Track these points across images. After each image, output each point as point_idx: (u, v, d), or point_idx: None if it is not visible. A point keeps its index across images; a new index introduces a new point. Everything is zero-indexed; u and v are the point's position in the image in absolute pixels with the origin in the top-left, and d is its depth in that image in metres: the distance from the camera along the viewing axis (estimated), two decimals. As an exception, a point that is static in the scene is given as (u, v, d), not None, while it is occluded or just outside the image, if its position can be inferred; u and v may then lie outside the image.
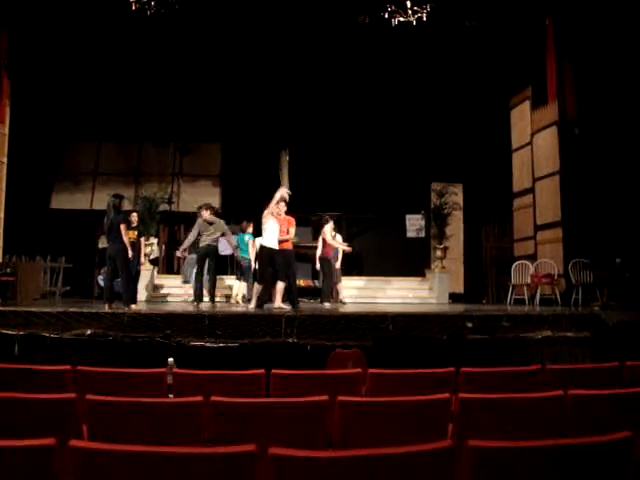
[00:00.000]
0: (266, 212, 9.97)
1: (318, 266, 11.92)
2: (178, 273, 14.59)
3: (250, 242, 12.14)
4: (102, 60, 13.47)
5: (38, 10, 11.80)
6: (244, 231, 12.36)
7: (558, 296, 11.92)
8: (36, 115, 13.66)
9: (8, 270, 11.43)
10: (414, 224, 15.48)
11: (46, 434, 2.41)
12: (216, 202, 15.73)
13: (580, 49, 12.06)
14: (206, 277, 11.49)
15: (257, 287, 10.37)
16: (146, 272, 12.71)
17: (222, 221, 11.57)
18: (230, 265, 14.19)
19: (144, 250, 12.33)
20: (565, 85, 12.24)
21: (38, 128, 14.00)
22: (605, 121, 11.86)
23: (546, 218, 12.95)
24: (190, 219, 13.09)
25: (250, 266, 12.12)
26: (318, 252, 11.77)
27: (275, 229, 9.93)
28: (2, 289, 10.76)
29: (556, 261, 12.34)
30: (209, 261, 11.28)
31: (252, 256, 12.07)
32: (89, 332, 7.24)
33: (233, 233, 12.44)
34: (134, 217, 11.29)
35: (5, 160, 12.77)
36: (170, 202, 14.98)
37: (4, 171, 12.78)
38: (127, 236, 9.44)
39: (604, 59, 11.69)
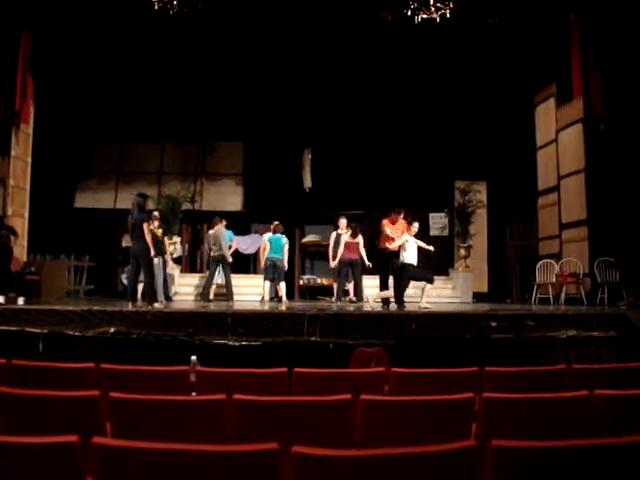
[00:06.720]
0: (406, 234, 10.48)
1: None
2: (201, 271, 14.63)
3: (286, 244, 12.25)
4: (125, 60, 13.60)
5: (61, 11, 11.91)
6: (275, 232, 12.33)
7: (583, 295, 11.78)
8: (59, 115, 13.81)
9: (33, 269, 11.59)
10: (437, 222, 15.43)
11: (69, 431, 2.42)
12: (239, 201, 15.83)
13: (605, 44, 11.88)
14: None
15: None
16: (169, 271, 12.70)
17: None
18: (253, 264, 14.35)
19: (168, 249, 12.37)
20: (590, 81, 12.06)
21: (61, 128, 14.16)
22: (632, 117, 11.70)
23: (571, 216, 12.79)
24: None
25: (284, 267, 12.23)
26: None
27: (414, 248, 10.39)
28: (27, 288, 10.89)
29: (581, 260, 12.18)
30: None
31: (286, 257, 12.21)
32: (112, 330, 7.27)
33: (257, 233, 12.64)
34: (155, 216, 11.44)
35: (29, 160, 12.92)
36: (193, 201, 15.07)
37: (28, 171, 12.92)
38: (150, 235, 9.48)
39: (630, 54, 11.51)
